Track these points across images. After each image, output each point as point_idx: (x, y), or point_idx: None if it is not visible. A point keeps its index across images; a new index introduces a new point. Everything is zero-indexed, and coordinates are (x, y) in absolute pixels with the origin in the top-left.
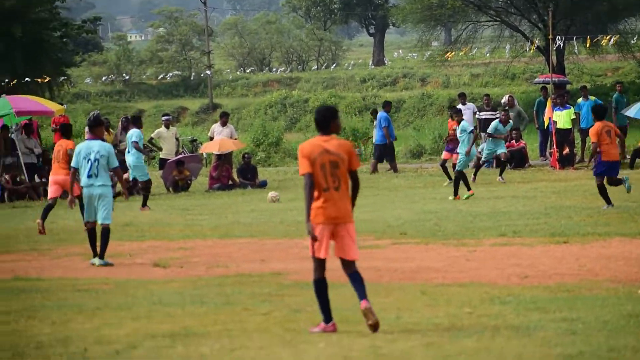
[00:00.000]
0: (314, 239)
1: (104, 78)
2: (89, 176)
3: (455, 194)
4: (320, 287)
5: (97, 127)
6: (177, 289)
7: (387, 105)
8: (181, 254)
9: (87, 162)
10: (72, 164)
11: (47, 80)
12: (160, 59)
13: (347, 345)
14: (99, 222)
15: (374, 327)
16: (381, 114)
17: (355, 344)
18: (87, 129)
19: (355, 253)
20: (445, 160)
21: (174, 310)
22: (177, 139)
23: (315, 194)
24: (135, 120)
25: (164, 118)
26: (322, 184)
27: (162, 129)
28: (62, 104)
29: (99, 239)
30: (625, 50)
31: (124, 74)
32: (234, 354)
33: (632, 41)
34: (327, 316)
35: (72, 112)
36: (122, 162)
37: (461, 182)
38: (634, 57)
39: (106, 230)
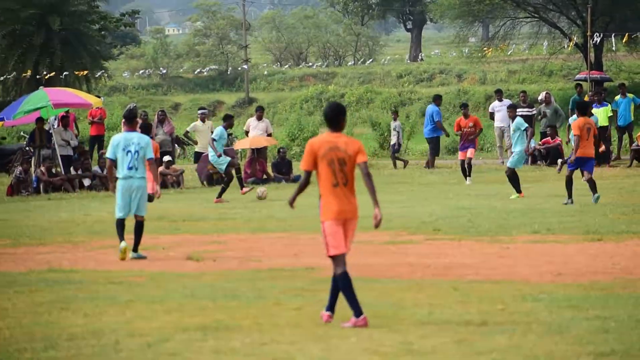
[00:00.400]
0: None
1: (141, 71)
2: (130, 168)
3: (519, 191)
4: (345, 281)
5: (134, 120)
6: (209, 282)
7: (437, 99)
8: (214, 247)
9: (127, 154)
10: (109, 155)
11: (85, 73)
12: (197, 53)
13: (378, 340)
14: (135, 213)
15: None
16: (432, 107)
17: (387, 339)
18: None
19: (349, 247)
20: (463, 161)
21: (206, 304)
22: (212, 133)
23: (323, 190)
24: (226, 118)
25: (200, 112)
26: (331, 180)
27: (198, 122)
28: (99, 97)
29: (129, 231)
30: None
31: (161, 68)
32: (265, 348)
33: None
34: (357, 310)
35: (109, 105)
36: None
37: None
38: None
39: (140, 223)
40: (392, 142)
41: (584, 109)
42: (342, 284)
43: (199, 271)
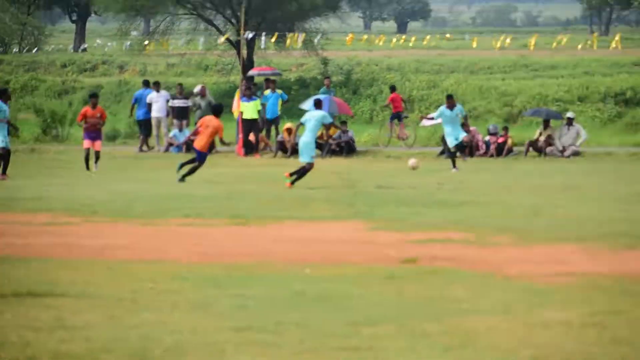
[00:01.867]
0: None
1: None
2: None
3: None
4: None
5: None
6: None
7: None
8: None
9: None
10: None
11: None
12: None
13: (33, 316)
14: None
15: None
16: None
17: (41, 315)
18: None
19: None
20: (88, 149)
21: None
22: None
23: None
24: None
25: None
26: None
27: None
28: None
29: None
30: (310, 47)
31: None
32: None
33: (315, 40)
34: None
35: None
36: None
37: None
38: (317, 54)
39: None
40: None
41: (216, 111)
42: None
43: None
